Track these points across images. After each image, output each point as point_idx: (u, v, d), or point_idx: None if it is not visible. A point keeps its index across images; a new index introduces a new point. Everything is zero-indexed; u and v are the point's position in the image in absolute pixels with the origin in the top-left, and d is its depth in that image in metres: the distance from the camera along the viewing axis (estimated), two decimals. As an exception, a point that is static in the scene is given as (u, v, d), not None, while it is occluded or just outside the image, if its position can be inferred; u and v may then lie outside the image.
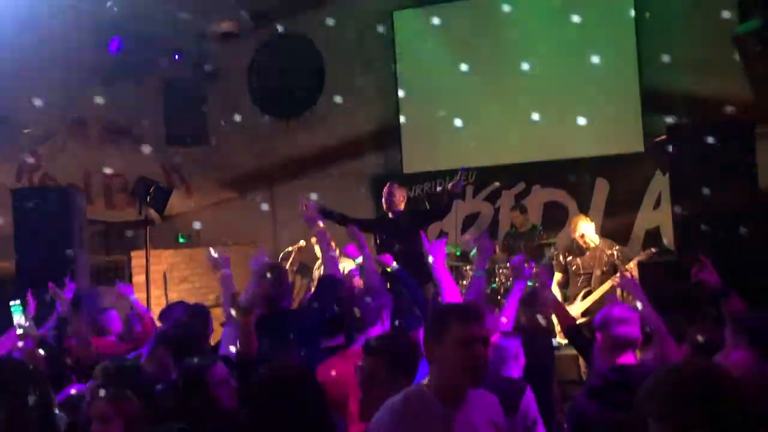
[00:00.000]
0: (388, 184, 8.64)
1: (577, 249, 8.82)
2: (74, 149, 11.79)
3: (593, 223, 8.99)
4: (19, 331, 5.05)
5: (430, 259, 5.12)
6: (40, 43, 10.00)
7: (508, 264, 9.76)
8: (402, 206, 8.51)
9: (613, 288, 8.35)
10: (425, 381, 3.17)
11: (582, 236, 8.67)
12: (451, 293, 4.92)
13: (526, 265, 5.70)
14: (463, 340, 3.05)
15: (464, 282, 9.51)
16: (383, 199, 8.55)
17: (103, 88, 11.67)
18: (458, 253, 10.06)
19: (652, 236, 10.33)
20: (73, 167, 11.70)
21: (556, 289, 8.83)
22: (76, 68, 11.60)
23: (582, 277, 8.76)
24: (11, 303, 5.32)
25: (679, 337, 4.57)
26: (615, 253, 8.58)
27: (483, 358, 3.08)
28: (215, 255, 5.22)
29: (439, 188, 11.59)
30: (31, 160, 11.29)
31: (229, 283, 5.14)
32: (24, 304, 5.43)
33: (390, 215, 8.50)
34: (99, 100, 11.81)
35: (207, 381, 3.97)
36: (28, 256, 8.86)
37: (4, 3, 9.15)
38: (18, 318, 5.26)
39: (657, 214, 10.43)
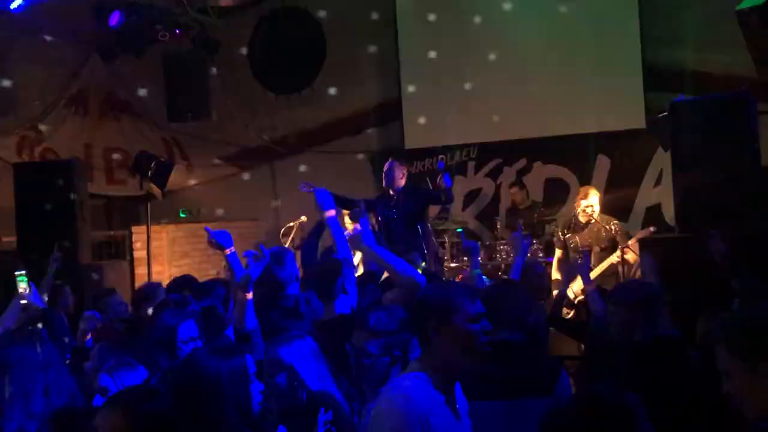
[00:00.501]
0: (389, 160, 8.65)
1: (575, 226, 8.78)
2: (75, 123, 11.78)
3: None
4: (23, 302, 5.06)
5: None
6: (41, 17, 9.96)
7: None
8: (402, 183, 8.52)
9: (613, 265, 8.36)
10: (416, 366, 3.00)
11: (590, 206, 8.57)
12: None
13: (524, 239, 5.73)
14: (471, 318, 2.97)
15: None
16: (383, 175, 8.55)
17: (104, 62, 11.64)
18: (459, 230, 10.06)
19: (653, 213, 10.33)
20: (74, 141, 11.68)
21: (555, 268, 8.87)
22: (77, 42, 11.57)
23: (581, 254, 8.73)
24: (16, 272, 5.32)
25: (695, 312, 4.61)
26: (614, 228, 8.54)
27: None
28: (212, 237, 5.01)
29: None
30: (32, 134, 11.26)
31: (234, 261, 4.99)
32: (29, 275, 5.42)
33: (390, 192, 8.51)
34: (99, 73, 11.80)
35: None
36: (29, 231, 8.89)
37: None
38: (23, 288, 5.26)
39: (658, 191, 10.42)
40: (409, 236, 8.26)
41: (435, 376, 2.92)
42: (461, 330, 2.94)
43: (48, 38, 10.76)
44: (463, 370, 3.01)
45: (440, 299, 3.03)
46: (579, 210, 8.67)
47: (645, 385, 3.37)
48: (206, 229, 4.94)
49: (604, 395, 2.40)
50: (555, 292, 8.52)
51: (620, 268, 8.29)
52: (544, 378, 3.74)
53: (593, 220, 8.57)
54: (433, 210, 10.42)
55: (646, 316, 4.18)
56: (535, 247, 9.62)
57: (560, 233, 8.93)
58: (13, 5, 8.92)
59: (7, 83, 10.68)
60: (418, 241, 8.25)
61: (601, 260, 8.46)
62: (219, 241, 4.87)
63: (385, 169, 8.56)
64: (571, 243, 8.73)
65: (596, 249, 8.54)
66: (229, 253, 4.86)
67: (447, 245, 10.01)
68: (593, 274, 8.33)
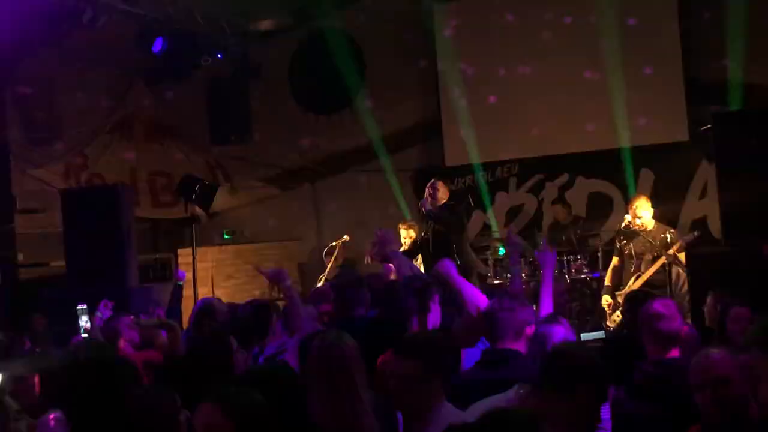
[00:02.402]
0: (431, 181, 8.73)
1: (630, 233, 8.66)
2: (120, 149, 11.97)
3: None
4: (84, 336, 5.10)
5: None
6: (86, 44, 10.16)
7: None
8: (444, 201, 8.60)
9: (660, 277, 8.27)
10: None
11: (640, 217, 8.49)
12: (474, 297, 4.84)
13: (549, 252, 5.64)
14: None
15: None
16: (426, 195, 8.60)
17: (148, 88, 11.83)
18: (501, 252, 10.04)
19: (699, 226, 10.20)
20: (120, 167, 11.87)
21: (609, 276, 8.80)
22: (121, 69, 11.78)
23: (635, 260, 8.65)
24: (78, 307, 5.36)
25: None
26: (669, 236, 8.41)
27: None
28: (266, 272, 5.14)
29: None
30: (78, 160, 11.47)
31: (292, 294, 5.09)
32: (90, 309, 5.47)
33: (432, 209, 8.58)
34: (143, 99, 12.00)
35: None
36: (78, 256, 9.02)
37: (49, 5, 9.29)
38: (84, 322, 5.30)
39: (703, 204, 10.31)
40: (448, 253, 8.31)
41: None
42: None
43: (92, 66, 10.97)
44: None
45: None
46: (630, 218, 8.57)
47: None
48: (260, 271, 5.07)
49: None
50: (604, 298, 8.52)
51: (668, 282, 8.20)
52: None
53: (646, 228, 8.47)
54: (476, 227, 10.42)
55: None
56: (579, 262, 9.56)
57: (616, 241, 8.83)
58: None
59: (52, 111, 10.91)
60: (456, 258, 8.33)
61: (648, 268, 8.37)
62: (274, 277, 5.04)
63: (428, 188, 8.64)
64: (626, 250, 8.64)
65: (648, 257, 8.44)
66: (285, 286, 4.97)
67: (490, 262, 9.99)
68: (640, 282, 8.25)
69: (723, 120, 7.00)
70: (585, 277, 9.64)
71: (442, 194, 8.61)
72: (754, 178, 6.58)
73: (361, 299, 5.40)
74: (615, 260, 8.79)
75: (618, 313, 8.20)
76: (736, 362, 3.28)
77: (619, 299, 8.20)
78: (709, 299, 5.70)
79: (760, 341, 2.51)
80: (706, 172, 9.97)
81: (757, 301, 5.41)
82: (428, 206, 8.59)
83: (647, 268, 8.37)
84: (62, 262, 9.44)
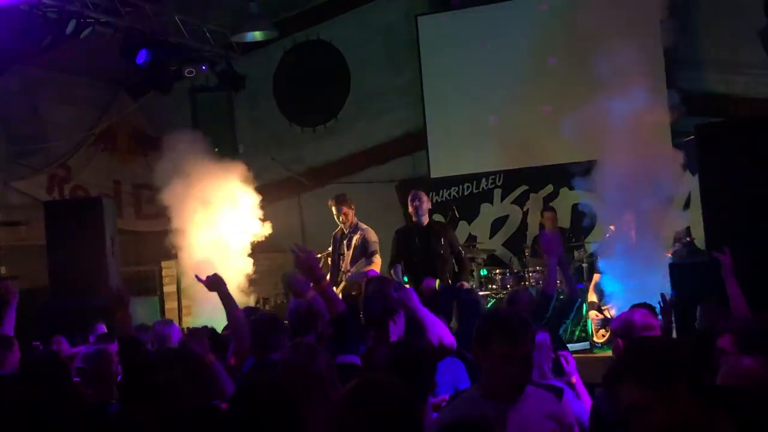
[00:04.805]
0: (413, 192, 8.72)
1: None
2: (103, 160, 11.92)
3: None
4: None
5: None
6: (69, 56, 10.12)
7: (538, 268, 9.77)
8: (428, 211, 8.63)
9: None
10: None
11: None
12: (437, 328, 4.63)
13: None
14: (502, 357, 3.12)
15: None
16: (411, 206, 8.59)
17: (131, 99, 11.79)
18: (483, 273, 10.05)
19: (684, 237, 10.22)
20: (103, 178, 11.82)
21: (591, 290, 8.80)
22: (104, 80, 11.74)
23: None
24: None
25: None
26: None
27: (520, 377, 3.18)
28: (203, 279, 5.07)
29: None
30: (61, 172, 11.41)
31: (230, 302, 5.08)
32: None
33: (417, 221, 8.58)
34: (127, 110, 11.96)
35: None
36: (61, 268, 8.96)
37: (33, 17, 9.25)
38: None
39: (687, 215, 10.34)
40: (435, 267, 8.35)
41: (489, 391, 3.25)
42: (493, 364, 3.21)
43: (76, 77, 10.93)
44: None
45: (481, 332, 3.25)
46: (614, 229, 8.59)
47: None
48: (198, 278, 5.05)
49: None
50: (591, 313, 8.53)
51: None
52: None
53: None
54: (461, 238, 10.42)
55: None
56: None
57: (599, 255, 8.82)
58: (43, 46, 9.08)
59: (35, 122, 10.86)
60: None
61: None
62: (211, 284, 5.02)
63: (411, 199, 8.62)
64: None
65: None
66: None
67: (475, 273, 9.98)
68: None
69: (706, 131, 7.01)
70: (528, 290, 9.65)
71: (427, 205, 8.63)
72: (737, 188, 6.60)
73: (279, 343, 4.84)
74: (596, 276, 8.79)
75: (603, 330, 8.19)
76: None
77: (607, 314, 8.18)
78: (700, 310, 5.69)
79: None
80: (690, 183, 10.01)
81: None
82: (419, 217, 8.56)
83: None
84: (45, 274, 9.38)
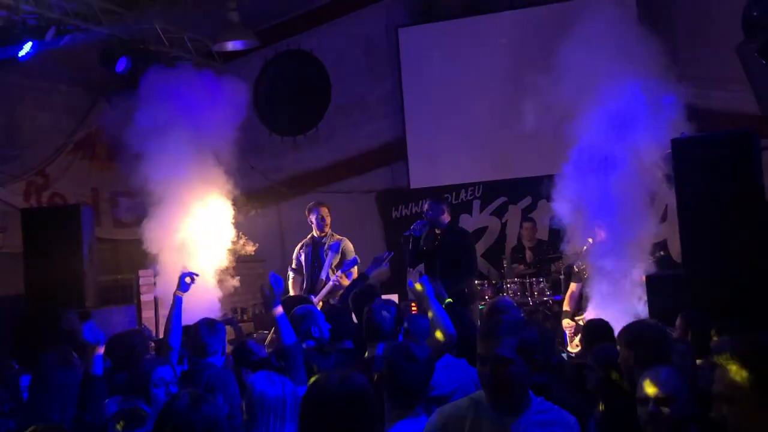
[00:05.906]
0: (429, 201, 8.83)
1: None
2: (82, 168, 11.86)
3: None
4: None
5: None
6: (48, 64, 10.07)
7: (516, 279, 9.81)
8: (446, 220, 8.73)
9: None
10: None
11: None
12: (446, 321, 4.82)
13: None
14: (478, 357, 3.13)
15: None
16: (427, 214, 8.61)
17: (110, 107, 11.74)
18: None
19: (660, 249, 10.29)
20: (81, 186, 11.76)
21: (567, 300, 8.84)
22: (84, 87, 11.69)
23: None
24: None
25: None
26: None
27: (490, 378, 3.08)
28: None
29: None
30: (39, 180, 11.34)
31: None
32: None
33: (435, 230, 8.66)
34: (106, 118, 11.90)
35: None
36: (38, 276, 8.91)
37: (11, 24, 9.22)
38: None
39: (663, 227, 10.40)
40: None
41: None
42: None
43: (55, 84, 10.88)
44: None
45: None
46: (591, 242, 8.63)
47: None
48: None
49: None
50: (564, 321, 8.56)
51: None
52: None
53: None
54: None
55: None
56: (542, 285, 9.61)
57: (574, 266, 8.86)
58: (21, 53, 9.02)
59: (14, 129, 10.79)
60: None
61: None
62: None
63: (426, 208, 8.63)
64: (585, 275, 8.68)
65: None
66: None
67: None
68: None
69: (681, 145, 7.08)
70: (547, 300, 9.70)
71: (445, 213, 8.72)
72: (713, 202, 6.66)
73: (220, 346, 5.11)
74: (572, 286, 8.82)
75: (577, 340, 8.23)
76: None
77: (581, 322, 8.23)
78: (678, 321, 5.74)
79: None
80: (666, 196, 10.08)
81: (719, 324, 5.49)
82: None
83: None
84: (21, 283, 9.31)
